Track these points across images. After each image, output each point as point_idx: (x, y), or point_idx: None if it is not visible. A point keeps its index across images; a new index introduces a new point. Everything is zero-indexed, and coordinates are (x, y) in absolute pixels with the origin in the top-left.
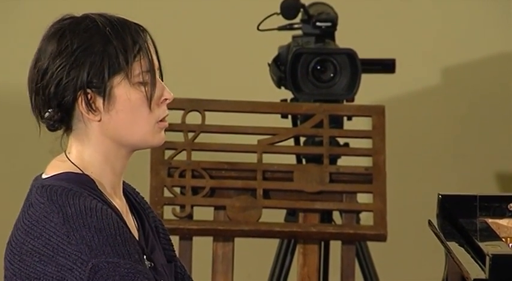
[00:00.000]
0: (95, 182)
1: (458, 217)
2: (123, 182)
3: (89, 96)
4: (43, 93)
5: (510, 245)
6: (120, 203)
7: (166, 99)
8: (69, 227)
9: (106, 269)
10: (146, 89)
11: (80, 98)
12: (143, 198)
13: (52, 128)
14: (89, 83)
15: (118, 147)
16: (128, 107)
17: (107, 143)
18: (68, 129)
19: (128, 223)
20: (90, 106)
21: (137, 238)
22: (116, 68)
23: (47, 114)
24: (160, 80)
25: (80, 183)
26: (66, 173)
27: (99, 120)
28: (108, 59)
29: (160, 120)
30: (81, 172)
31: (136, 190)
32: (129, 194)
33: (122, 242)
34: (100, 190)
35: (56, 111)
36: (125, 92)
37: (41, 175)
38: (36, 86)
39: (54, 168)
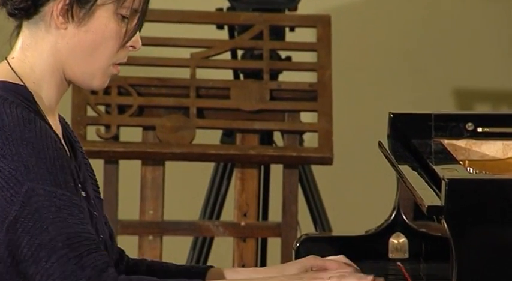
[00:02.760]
0: (33, 95)
1: (412, 138)
2: None
3: (71, 1)
4: None
5: (468, 168)
6: (55, 124)
7: (133, 47)
8: (4, 139)
9: (43, 196)
10: (126, 26)
11: None
12: (73, 132)
13: (13, 13)
14: None
15: (60, 72)
16: (100, 32)
17: (53, 59)
18: (26, 20)
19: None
20: (66, 11)
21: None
22: None
23: None
24: None
25: (16, 93)
26: (3, 82)
27: (65, 29)
28: None
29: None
30: (19, 83)
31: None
32: (60, 122)
33: (60, 168)
34: (38, 105)
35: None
36: (106, 16)
37: None
38: None
39: None
